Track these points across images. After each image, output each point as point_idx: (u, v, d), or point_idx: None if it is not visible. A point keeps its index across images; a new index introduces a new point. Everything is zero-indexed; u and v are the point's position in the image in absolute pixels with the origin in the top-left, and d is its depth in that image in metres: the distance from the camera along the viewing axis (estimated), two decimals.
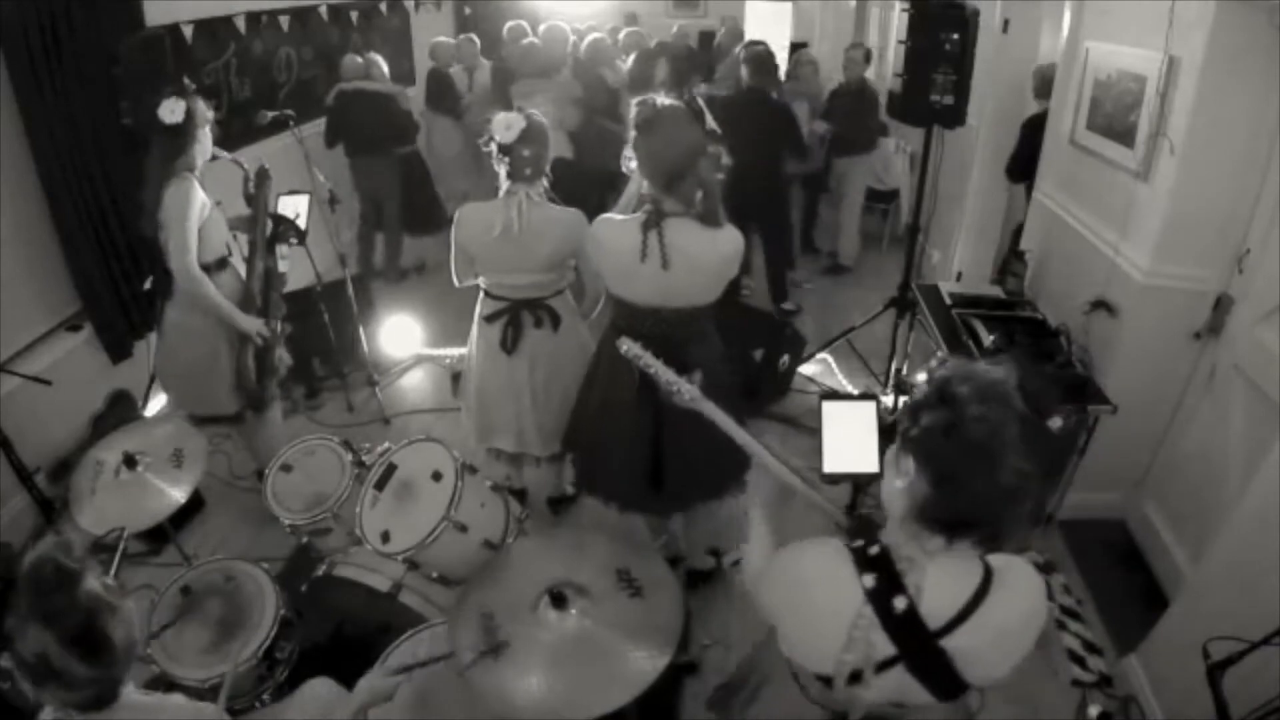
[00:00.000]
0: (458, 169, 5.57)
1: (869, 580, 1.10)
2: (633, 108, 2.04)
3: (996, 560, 1.14)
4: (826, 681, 1.16)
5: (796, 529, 1.34)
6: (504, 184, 2.35)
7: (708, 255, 2.05)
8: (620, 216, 2.13)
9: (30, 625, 1.06)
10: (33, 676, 1.08)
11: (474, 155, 5.45)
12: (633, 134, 2.03)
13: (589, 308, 2.65)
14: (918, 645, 1.09)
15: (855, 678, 1.11)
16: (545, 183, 2.42)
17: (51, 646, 1.06)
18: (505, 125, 2.28)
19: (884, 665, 1.10)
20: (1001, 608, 1.10)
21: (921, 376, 1.11)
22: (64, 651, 1.07)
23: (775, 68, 4.44)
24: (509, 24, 5.53)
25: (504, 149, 2.29)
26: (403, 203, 5.16)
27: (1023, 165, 3.85)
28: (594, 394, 2.39)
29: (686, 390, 1.56)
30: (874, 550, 1.13)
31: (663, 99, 2.03)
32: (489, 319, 2.53)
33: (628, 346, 1.60)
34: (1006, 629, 1.12)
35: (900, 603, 1.08)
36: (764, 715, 1.47)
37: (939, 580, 1.09)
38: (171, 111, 2.46)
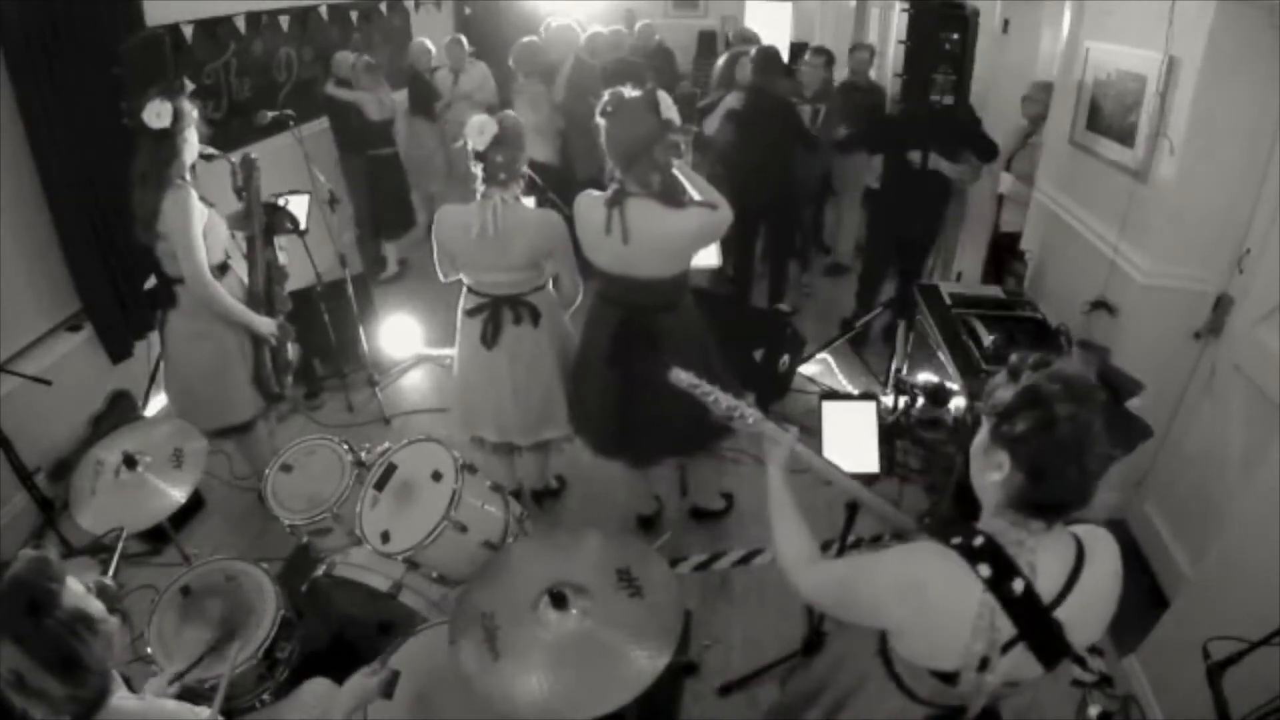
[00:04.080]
0: (432, 171, 5.57)
1: (984, 570, 1.15)
2: (605, 97, 2.22)
3: (1079, 531, 1.22)
4: (944, 678, 1.21)
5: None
6: (480, 187, 2.39)
7: (664, 232, 2.24)
8: (596, 193, 2.34)
9: (5, 645, 1.05)
10: (13, 691, 1.07)
11: (446, 158, 5.48)
12: (600, 122, 2.22)
13: (564, 305, 2.69)
14: (1036, 621, 1.15)
15: (983, 665, 1.16)
16: (521, 185, 2.45)
17: (26, 666, 1.06)
18: (478, 130, 2.32)
19: (1006, 647, 1.16)
20: (1096, 573, 1.18)
21: (1000, 377, 1.19)
22: (40, 672, 1.06)
23: (780, 66, 4.38)
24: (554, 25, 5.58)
25: (477, 154, 2.34)
26: (369, 204, 5.20)
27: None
28: (579, 352, 2.63)
29: (748, 414, 1.57)
30: (978, 542, 1.18)
31: (631, 91, 2.22)
32: (470, 313, 2.59)
33: (682, 377, 1.61)
34: (1101, 592, 1.21)
35: (1019, 585, 1.14)
36: None
37: (1046, 557, 1.16)
38: (157, 115, 2.35)
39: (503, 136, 2.32)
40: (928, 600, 1.19)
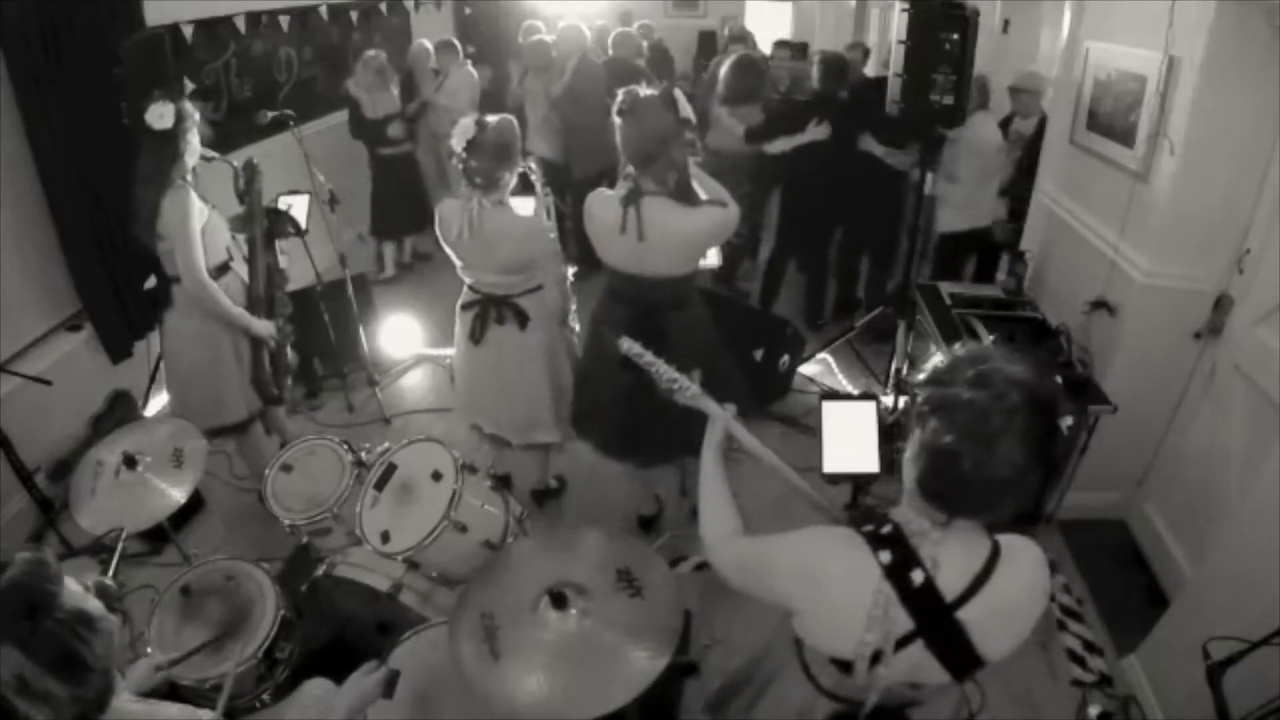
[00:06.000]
0: (425, 172, 5.57)
1: (885, 556, 1.12)
2: (618, 97, 2.20)
3: (1003, 538, 1.18)
4: (843, 667, 1.18)
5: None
6: (464, 188, 2.42)
7: (680, 230, 2.23)
8: (609, 192, 2.33)
9: (5, 648, 1.05)
10: (16, 695, 1.07)
11: (436, 158, 5.46)
12: (616, 120, 2.20)
13: (551, 314, 2.68)
14: (935, 618, 1.11)
15: (876, 658, 1.13)
16: (503, 191, 2.45)
17: (28, 669, 1.05)
18: (461, 131, 2.34)
19: (902, 642, 1.12)
20: (1009, 580, 1.13)
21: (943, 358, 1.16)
22: (42, 674, 1.06)
23: (846, 74, 4.23)
24: (524, 23, 5.57)
25: (459, 156, 2.36)
26: (371, 203, 5.21)
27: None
28: (588, 352, 2.62)
29: (688, 387, 1.57)
30: (886, 529, 1.15)
31: (645, 89, 2.20)
32: (464, 308, 2.65)
33: (628, 345, 1.63)
34: (1015, 602, 1.15)
35: (918, 576, 1.10)
36: (770, 714, 1.47)
37: (951, 553, 1.12)
38: (160, 117, 2.36)
39: (478, 141, 2.33)
40: (825, 581, 1.17)
